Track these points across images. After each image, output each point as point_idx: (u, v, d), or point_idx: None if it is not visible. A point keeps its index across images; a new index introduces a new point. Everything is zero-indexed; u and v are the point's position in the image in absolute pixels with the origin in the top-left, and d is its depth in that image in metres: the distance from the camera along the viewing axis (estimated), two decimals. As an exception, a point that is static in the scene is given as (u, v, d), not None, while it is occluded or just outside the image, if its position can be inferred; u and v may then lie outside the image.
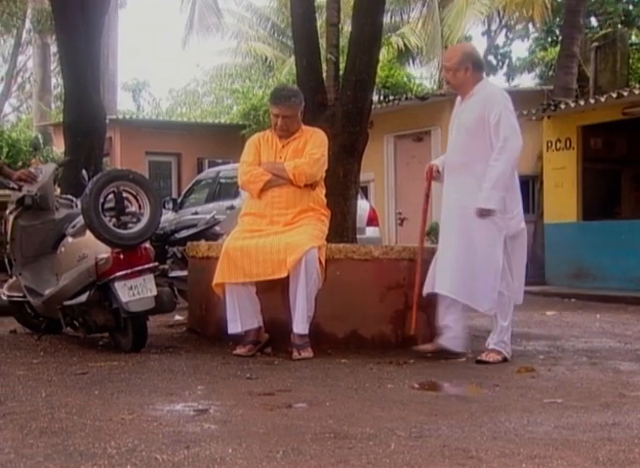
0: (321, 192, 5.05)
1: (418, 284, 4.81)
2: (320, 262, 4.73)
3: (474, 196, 4.54)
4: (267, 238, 4.74)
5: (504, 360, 4.59)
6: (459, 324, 4.65)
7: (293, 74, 19.85)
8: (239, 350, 4.73)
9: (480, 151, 4.57)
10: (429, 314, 4.84)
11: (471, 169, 4.61)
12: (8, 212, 5.74)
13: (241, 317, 4.76)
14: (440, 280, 4.62)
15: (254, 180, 4.93)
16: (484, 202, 4.51)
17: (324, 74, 6.84)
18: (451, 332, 4.64)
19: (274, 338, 4.87)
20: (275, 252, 4.65)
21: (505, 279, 4.57)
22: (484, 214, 4.52)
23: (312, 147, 4.93)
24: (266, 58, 22.68)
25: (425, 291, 4.71)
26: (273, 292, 4.85)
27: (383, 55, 16.89)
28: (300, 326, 4.66)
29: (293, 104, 4.95)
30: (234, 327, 4.78)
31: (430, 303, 4.77)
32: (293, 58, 20.89)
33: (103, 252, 4.76)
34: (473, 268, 4.53)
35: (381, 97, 16.34)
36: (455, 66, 4.67)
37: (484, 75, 4.81)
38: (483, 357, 4.58)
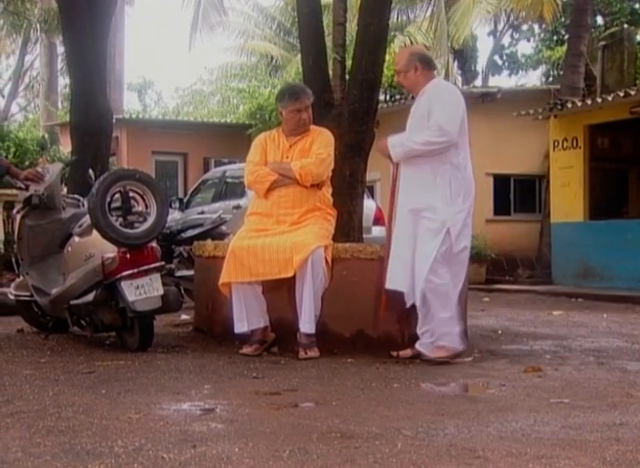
0: (327, 192, 5.05)
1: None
2: (326, 262, 4.73)
3: (421, 193, 4.55)
4: (274, 237, 4.74)
5: (454, 355, 4.49)
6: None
7: (300, 73, 19.85)
8: (245, 349, 4.74)
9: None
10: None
11: (418, 165, 4.60)
12: (15, 211, 5.76)
13: (247, 316, 4.76)
14: (391, 275, 4.62)
15: (260, 180, 4.94)
16: (390, 144, 4.66)
17: (330, 73, 6.84)
18: (429, 338, 4.60)
19: (280, 338, 4.87)
20: (281, 251, 4.65)
21: (444, 269, 4.49)
22: (381, 150, 4.74)
23: (319, 147, 4.94)
24: (272, 58, 22.70)
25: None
26: (279, 292, 4.85)
27: (389, 54, 16.87)
28: (306, 325, 4.66)
29: (310, 95, 5.02)
30: (241, 326, 4.78)
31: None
32: (299, 58, 20.92)
33: (110, 251, 4.77)
34: (414, 261, 4.53)
35: (388, 97, 16.33)
36: (404, 68, 4.73)
37: (435, 74, 4.84)
38: (428, 355, 4.53)
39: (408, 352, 4.64)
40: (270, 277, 4.70)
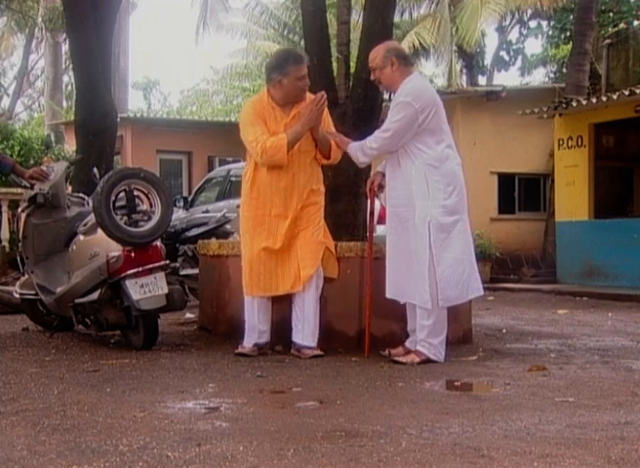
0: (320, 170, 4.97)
1: (368, 304, 4.70)
2: (332, 254, 4.78)
3: (403, 195, 4.48)
4: (284, 252, 4.67)
5: (426, 361, 4.38)
6: None
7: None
8: (242, 349, 4.69)
9: (402, 148, 4.48)
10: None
11: (398, 166, 4.53)
12: (20, 210, 5.77)
13: (259, 330, 4.74)
14: (387, 283, 4.57)
15: (276, 151, 4.58)
16: (351, 145, 4.64)
17: (335, 72, 6.83)
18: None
19: (285, 337, 4.87)
20: (291, 266, 4.66)
21: (429, 276, 4.37)
22: (339, 141, 4.71)
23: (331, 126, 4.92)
24: (276, 56, 22.66)
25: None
26: (284, 297, 4.83)
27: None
28: (311, 338, 4.65)
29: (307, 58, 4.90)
30: (258, 338, 4.72)
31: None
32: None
33: (115, 250, 4.78)
34: (408, 263, 4.44)
35: (392, 96, 16.29)
36: (380, 64, 4.59)
37: (413, 70, 4.69)
38: (399, 356, 4.48)
39: (400, 350, 4.56)
40: (283, 292, 4.69)
